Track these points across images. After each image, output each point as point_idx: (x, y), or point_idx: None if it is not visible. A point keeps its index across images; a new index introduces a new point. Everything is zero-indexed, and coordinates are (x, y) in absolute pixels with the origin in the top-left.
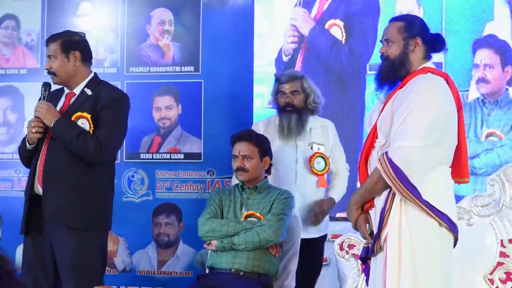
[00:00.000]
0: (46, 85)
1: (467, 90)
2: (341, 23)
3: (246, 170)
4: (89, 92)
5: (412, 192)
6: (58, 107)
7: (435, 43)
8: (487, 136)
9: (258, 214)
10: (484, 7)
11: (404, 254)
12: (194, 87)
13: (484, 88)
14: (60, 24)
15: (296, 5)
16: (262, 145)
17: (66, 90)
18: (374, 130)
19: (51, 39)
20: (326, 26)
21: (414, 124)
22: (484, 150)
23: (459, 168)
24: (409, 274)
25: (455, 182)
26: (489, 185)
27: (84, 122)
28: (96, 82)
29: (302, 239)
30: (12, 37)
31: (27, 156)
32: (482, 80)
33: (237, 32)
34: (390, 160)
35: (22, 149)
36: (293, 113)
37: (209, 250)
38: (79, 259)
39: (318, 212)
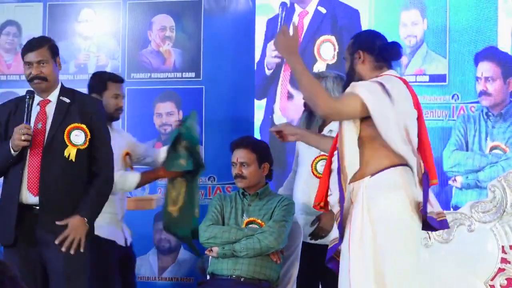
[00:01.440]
0: (32, 94)
1: (472, 102)
2: (333, 38)
3: (244, 177)
4: (66, 100)
5: None
6: (34, 115)
7: (383, 52)
8: (492, 149)
9: (259, 221)
10: (487, 20)
11: (366, 234)
12: (195, 93)
13: (487, 101)
14: (62, 30)
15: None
16: (260, 152)
17: (38, 98)
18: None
19: (39, 45)
20: (318, 42)
21: None
22: (488, 163)
23: (433, 169)
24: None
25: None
26: (490, 191)
27: (79, 134)
28: (68, 90)
29: (315, 244)
30: (13, 43)
31: (8, 163)
32: (484, 93)
33: (238, 38)
34: None
35: (3, 157)
36: (305, 111)
37: (210, 257)
38: (72, 269)
39: (317, 229)
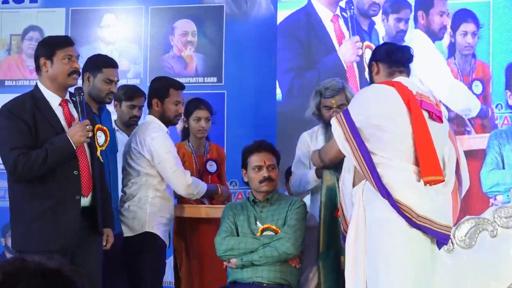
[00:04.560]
0: (81, 90)
1: None
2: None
3: (273, 180)
4: (75, 99)
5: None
6: (62, 117)
7: (391, 57)
8: None
9: (274, 227)
10: None
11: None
12: (217, 98)
13: None
14: (84, 35)
15: None
16: (278, 155)
17: (58, 98)
18: None
19: (73, 41)
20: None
21: None
22: None
23: (428, 166)
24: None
25: (428, 182)
26: None
27: (100, 135)
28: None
29: None
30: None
31: (65, 160)
32: None
33: (260, 43)
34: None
35: (62, 152)
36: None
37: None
38: (100, 267)
39: None
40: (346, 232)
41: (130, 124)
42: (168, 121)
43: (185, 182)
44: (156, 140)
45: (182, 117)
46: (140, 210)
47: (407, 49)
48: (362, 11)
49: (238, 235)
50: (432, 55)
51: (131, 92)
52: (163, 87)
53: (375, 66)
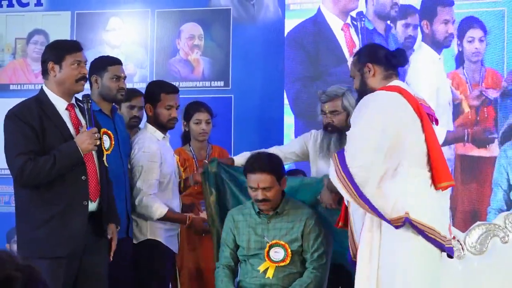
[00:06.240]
0: (89, 97)
1: None
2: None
3: (269, 200)
4: (81, 104)
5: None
6: (69, 122)
7: (390, 59)
8: None
9: (282, 243)
10: None
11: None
12: (224, 102)
13: None
14: (89, 39)
15: None
16: (277, 170)
17: (64, 102)
18: None
19: (82, 47)
20: None
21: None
22: None
23: (442, 171)
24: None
25: (440, 188)
26: None
27: (106, 139)
28: None
29: None
30: (41, 52)
31: (73, 167)
32: None
33: (267, 47)
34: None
35: (70, 160)
36: (333, 133)
37: (239, 269)
38: (106, 271)
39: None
40: (353, 254)
41: (131, 126)
42: (162, 126)
43: (137, 201)
44: (136, 156)
45: (183, 121)
46: (140, 218)
47: (403, 52)
48: (381, 14)
49: (237, 250)
50: (434, 75)
51: (128, 93)
52: (154, 92)
53: (370, 68)
